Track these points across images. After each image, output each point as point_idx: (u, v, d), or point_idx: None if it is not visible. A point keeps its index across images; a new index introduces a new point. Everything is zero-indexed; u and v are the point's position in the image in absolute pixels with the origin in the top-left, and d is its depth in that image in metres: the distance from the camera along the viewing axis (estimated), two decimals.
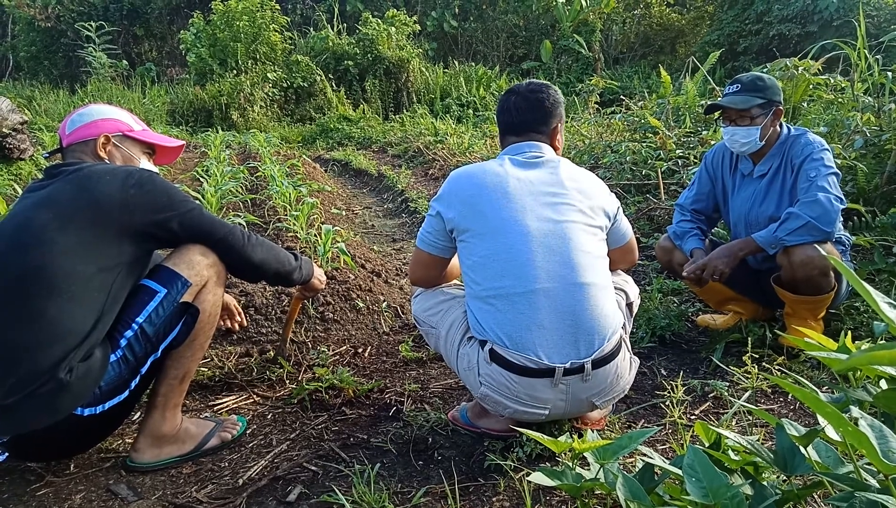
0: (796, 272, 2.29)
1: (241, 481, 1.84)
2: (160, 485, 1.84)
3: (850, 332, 1.49)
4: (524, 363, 1.72)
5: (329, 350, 2.66)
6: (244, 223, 3.85)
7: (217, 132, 10.05)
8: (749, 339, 2.25)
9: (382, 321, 2.99)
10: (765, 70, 5.83)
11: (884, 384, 1.25)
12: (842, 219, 2.36)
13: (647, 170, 5.02)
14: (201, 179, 5.83)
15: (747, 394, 2.14)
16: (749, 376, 2.11)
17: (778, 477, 1.33)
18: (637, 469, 1.37)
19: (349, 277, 3.11)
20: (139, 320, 1.76)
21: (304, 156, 8.12)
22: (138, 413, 2.16)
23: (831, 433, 1.13)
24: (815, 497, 1.54)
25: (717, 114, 2.77)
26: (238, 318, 2.54)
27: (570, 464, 1.43)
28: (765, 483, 1.24)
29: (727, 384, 2.23)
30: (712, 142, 4.84)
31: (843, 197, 2.32)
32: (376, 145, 10.07)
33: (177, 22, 16.94)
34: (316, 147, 10.55)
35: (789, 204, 2.41)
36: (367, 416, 2.21)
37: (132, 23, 16.49)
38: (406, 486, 1.78)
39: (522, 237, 1.78)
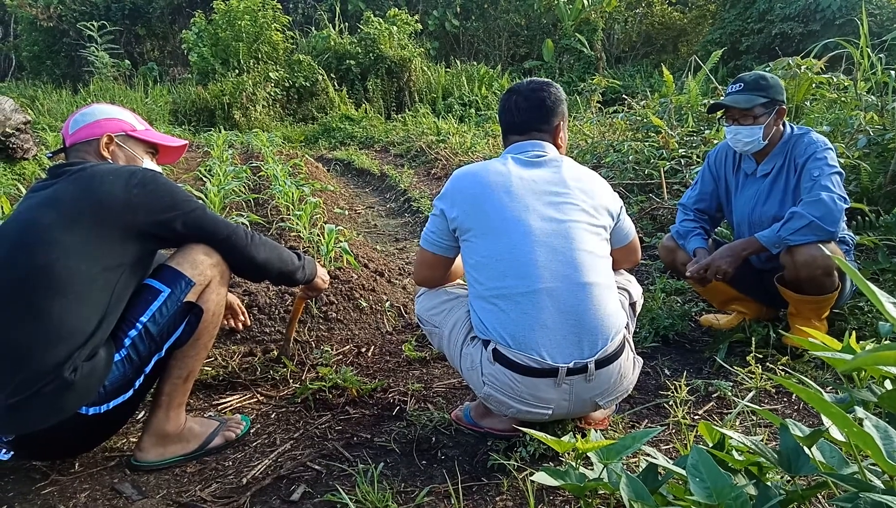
0: (800, 272, 2.28)
1: (244, 480, 1.85)
2: (164, 484, 1.85)
3: (854, 332, 1.49)
4: (527, 363, 1.72)
5: (332, 350, 2.67)
6: (247, 223, 3.85)
7: (220, 132, 10.07)
8: (753, 339, 2.25)
9: (385, 320, 2.99)
10: (767, 69, 5.81)
11: (889, 385, 1.25)
12: (845, 218, 2.36)
13: (649, 169, 5.02)
14: (204, 178, 5.84)
15: (751, 394, 2.14)
16: (753, 376, 2.12)
17: (782, 478, 1.33)
18: (641, 469, 1.37)
19: (352, 276, 3.12)
20: (143, 319, 1.76)
21: (306, 155, 8.13)
22: (142, 413, 2.17)
23: (836, 433, 1.13)
24: (820, 497, 1.54)
25: (720, 113, 2.77)
26: (242, 317, 2.54)
27: (574, 464, 1.43)
28: (769, 483, 1.24)
29: (731, 384, 2.23)
30: (715, 141, 4.83)
31: (846, 196, 2.31)
32: (378, 145, 10.08)
33: (179, 21, 16.97)
34: (318, 147, 10.56)
35: (792, 203, 2.40)
36: (371, 415, 2.21)
37: (134, 22, 16.52)
38: (409, 486, 1.78)
39: (525, 237, 1.78)
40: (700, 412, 2.13)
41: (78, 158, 1.88)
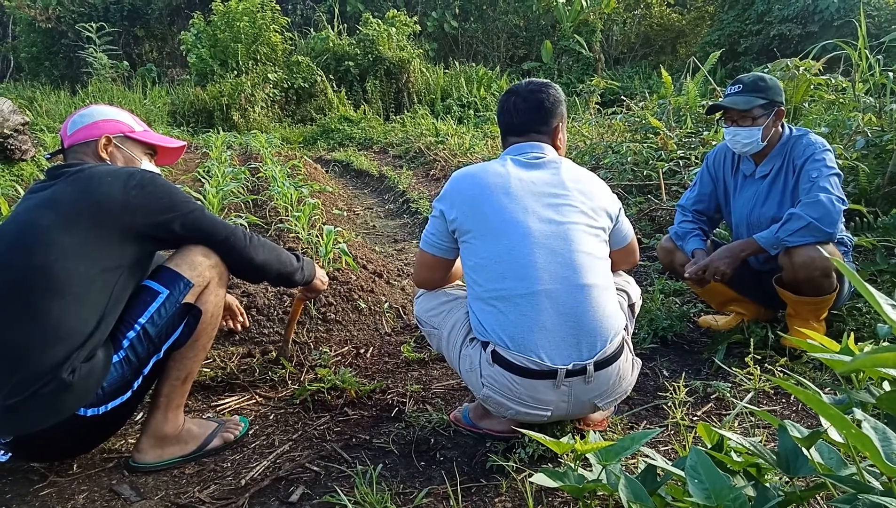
0: (798, 273, 2.29)
1: (243, 481, 1.84)
2: (163, 486, 1.84)
3: (852, 333, 1.49)
4: (526, 365, 1.72)
5: (331, 351, 2.67)
6: (246, 224, 3.85)
7: (218, 133, 10.07)
8: (751, 340, 2.25)
9: (384, 321, 2.99)
10: (766, 70, 5.83)
11: (887, 386, 1.25)
12: (843, 220, 2.36)
13: (648, 171, 5.02)
14: (203, 179, 5.83)
15: (749, 395, 2.14)
16: (751, 377, 2.12)
17: (780, 479, 1.33)
18: (639, 471, 1.37)
19: (351, 278, 3.12)
20: (141, 320, 1.76)
21: (305, 157, 8.13)
22: (141, 414, 2.17)
23: (834, 434, 1.13)
24: (818, 498, 1.54)
25: (718, 114, 2.77)
26: (240, 319, 2.54)
27: (573, 465, 1.43)
28: (767, 484, 1.24)
29: (729, 385, 2.23)
30: (714, 142, 4.84)
31: (844, 198, 2.32)
32: (377, 146, 10.08)
33: (177, 23, 16.96)
34: (317, 148, 10.56)
35: (791, 205, 2.41)
36: (369, 417, 2.21)
37: (133, 24, 16.51)
38: (408, 487, 1.78)
39: (524, 239, 1.78)
40: (699, 413, 2.13)
41: (76, 159, 1.88)
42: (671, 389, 2.10)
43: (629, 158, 5.26)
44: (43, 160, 6.69)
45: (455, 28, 16.26)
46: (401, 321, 3.04)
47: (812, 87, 5.45)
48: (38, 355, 1.60)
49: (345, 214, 5.48)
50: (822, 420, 1.12)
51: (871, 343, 1.97)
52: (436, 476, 1.82)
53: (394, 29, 13.99)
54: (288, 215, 4.34)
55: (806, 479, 1.49)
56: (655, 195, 4.62)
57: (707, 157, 2.82)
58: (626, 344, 1.86)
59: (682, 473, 1.23)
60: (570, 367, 1.72)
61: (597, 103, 8.82)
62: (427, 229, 1.97)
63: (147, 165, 2.03)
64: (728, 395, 2.18)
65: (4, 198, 4.54)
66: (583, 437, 1.50)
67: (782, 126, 2.53)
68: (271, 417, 2.25)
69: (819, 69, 5.56)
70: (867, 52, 5.05)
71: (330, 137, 11.14)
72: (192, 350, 1.86)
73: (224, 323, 2.47)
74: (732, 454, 1.35)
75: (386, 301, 3.09)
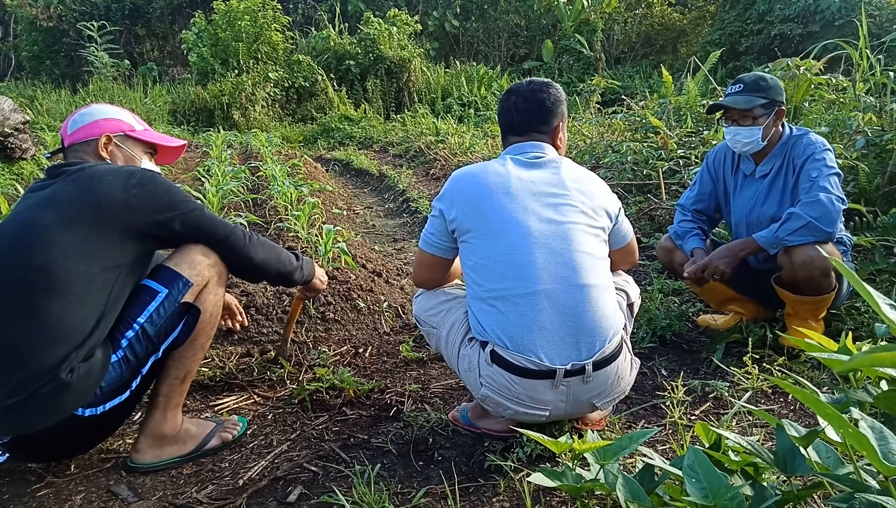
0: (797, 273, 2.29)
1: (241, 481, 1.84)
2: (161, 486, 1.84)
3: (850, 332, 1.49)
4: (525, 365, 1.72)
5: (330, 350, 2.67)
6: (245, 223, 3.85)
7: (218, 132, 10.06)
8: (750, 339, 2.25)
9: (383, 321, 2.99)
10: (766, 70, 5.82)
11: (884, 386, 1.25)
12: (843, 219, 2.36)
13: (648, 170, 5.02)
14: (203, 178, 5.83)
15: (748, 395, 2.14)
16: (749, 376, 2.11)
17: (778, 478, 1.33)
18: (637, 470, 1.37)
19: (350, 277, 3.12)
20: (140, 320, 1.76)
21: (305, 156, 8.12)
22: (139, 414, 2.17)
23: (831, 434, 1.12)
24: (816, 497, 1.54)
25: (719, 114, 2.77)
26: (239, 318, 2.54)
27: (571, 465, 1.43)
28: (765, 483, 1.24)
29: (728, 384, 2.23)
30: (714, 142, 4.84)
31: (844, 197, 2.31)
32: (377, 145, 10.08)
33: (178, 22, 16.96)
34: (317, 147, 10.56)
35: (791, 204, 2.41)
36: (368, 416, 2.21)
37: (134, 22, 16.51)
38: (406, 486, 1.78)
39: (524, 239, 1.77)
40: (697, 412, 2.13)
41: (76, 158, 1.88)
42: (669, 388, 2.09)
43: (629, 158, 5.26)
44: (43, 159, 6.69)
45: (456, 27, 16.26)
46: (400, 320, 3.04)
47: (812, 86, 5.45)
48: (37, 354, 1.60)
49: (344, 213, 5.48)
50: (820, 420, 1.12)
51: (869, 343, 1.97)
52: (434, 476, 1.82)
53: (395, 28, 13.99)
54: (287, 215, 4.34)
55: (803, 478, 1.49)
56: (655, 195, 4.62)
57: (707, 156, 2.82)
58: (624, 344, 1.86)
59: (679, 472, 1.23)
60: (568, 367, 1.72)
61: (597, 103, 8.83)
62: (426, 229, 1.97)
63: (147, 163, 2.03)
64: (726, 394, 2.18)
65: (4, 197, 4.54)
66: (581, 436, 1.50)
67: (783, 126, 2.53)
68: (269, 417, 2.25)
69: (820, 69, 5.56)
70: (868, 51, 5.04)
71: (330, 136, 11.13)
72: (191, 350, 1.86)
73: (223, 322, 2.47)
74: (730, 453, 1.35)
75: (385, 301, 3.09)
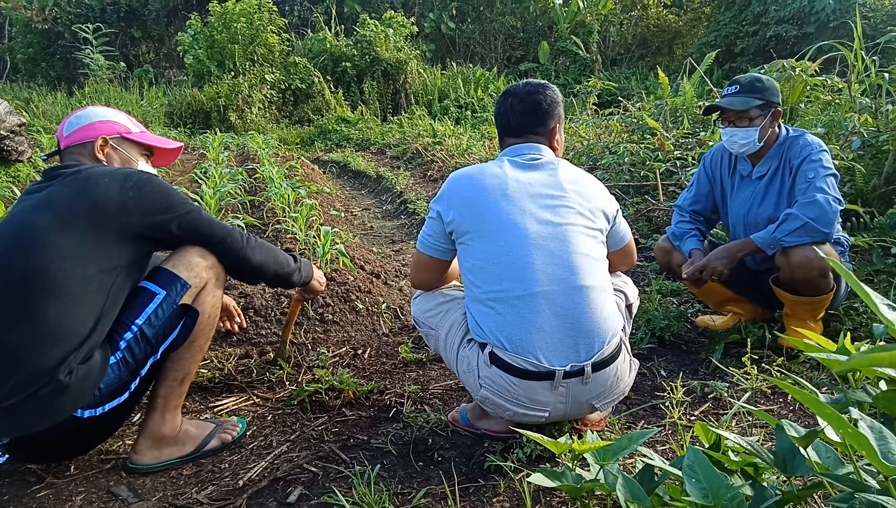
0: (795, 273, 2.29)
1: (241, 482, 1.84)
2: (160, 487, 1.84)
3: (849, 333, 1.49)
4: (524, 367, 1.72)
5: (329, 352, 2.66)
6: (243, 225, 3.84)
7: (215, 134, 10.05)
8: (748, 340, 2.26)
9: (382, 322, 2.99)
10: (762, 71, 5.84)
11: (883, 386, 1.26)
12: (840, 220, 2.37)
13: (645, 171, 5.03)
14: (200, 180, 5.82)
15: (747, 395, 2.15)
16: (748, 377, 2.12)
17: (778, 478, 1.33)
18: (637, 470, 1.38)
19: (348, 278, 3.11)
20: (138, 322, 1.76)
21: (302, 157, 8.11)
22: (138, 415, 2.16)
23: (831, 434, 1.13)
24: (815, 497, 1.55)
25: (715, 115, 2.78)
26: (238, 319, 2.54)
27: (570, 465, 1.43)
28: (765, 483, 1.25)
29: (727, 384, 2.24)
30: (710, 143, 4.85)
31: (841, 198, 2.32)
32: (375, 147, 10.08)
33: (174, 24, 16.93)
34: (314, 149, 10.55)
35: (788, 205, 2.41)
36: (367, 417, 2.21)
37: (129, 25, 16.47)
38: (406, 487, 1.78)
39: (522, 240, 1.78)
40: (696, 413, 2.13)
41: (73, 160, 1.88)
42: (669, 389, 2.10)
43: (626, 159, 5.27)
44: (39, 161, 6.68)
45: (452, 29, 16.27)
46: (398, 321, 3.04)
47: (808, 87, 5.47)
48: (35, 356, 1.59)
49: (342, 214, 5.48)
50: (819, 420, 1.12)
51: (867, 343, 1.98)
52: (434, 477, 1.82)
53: (391, 30, 13.98)
54: (285, 216, 4.34)
55: (803, 478, 1.50)
56: (652, 196, 4.63)
57: (704, 157, 2.82)
58: (623, 345, 1.86)
59: (679, 472, 1.23)
60: (567, 368, 1.72)
61: (594, 104, 8.83)
62: (424, 231, 1.97)
63: (144, 166, 2.03)
64: (725, 395, 2.18)
65: (1, 199, 4.53)
66: (580, 437, 1.50)
67: (779, 127, 2.54)
68: (269, 418, 2.24)
69: (815, 70, 5.57)
70: (863, 53, 5.06)
71: (327, 137, 11.13)
72: (190, 351, 1.86)
73: (221, 324, 2.47)
74: (730, 453, 1.35)
75: (383, 302, 3.09)
